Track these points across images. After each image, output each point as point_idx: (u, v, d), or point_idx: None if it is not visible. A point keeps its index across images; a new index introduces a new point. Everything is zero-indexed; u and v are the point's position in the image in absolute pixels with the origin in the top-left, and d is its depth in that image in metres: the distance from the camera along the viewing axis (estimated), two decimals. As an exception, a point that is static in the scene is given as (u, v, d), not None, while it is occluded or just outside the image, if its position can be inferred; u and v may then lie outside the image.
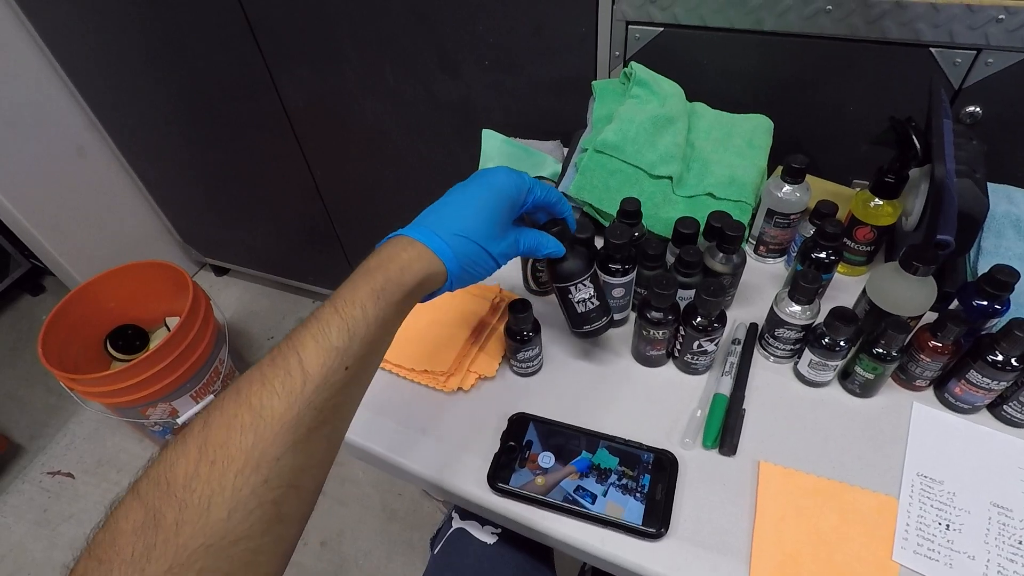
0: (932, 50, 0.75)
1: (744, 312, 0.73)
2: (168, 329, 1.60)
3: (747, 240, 0.79)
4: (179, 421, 1.42)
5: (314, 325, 0.41)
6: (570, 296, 0.61)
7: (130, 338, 1.59)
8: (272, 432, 0.37)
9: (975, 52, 0.73)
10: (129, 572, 0.32)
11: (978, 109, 0.77)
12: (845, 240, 0.72)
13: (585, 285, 0.60)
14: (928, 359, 0.60)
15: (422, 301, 0.50)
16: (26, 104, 1.50)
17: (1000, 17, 0.69)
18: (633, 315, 0.71)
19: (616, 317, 0.69)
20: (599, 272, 0.64)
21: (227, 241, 1.90)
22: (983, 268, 0.63)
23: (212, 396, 1.48)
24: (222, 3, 1.14)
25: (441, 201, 0.52)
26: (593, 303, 0.61)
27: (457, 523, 0.70)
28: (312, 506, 0.41)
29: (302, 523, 0.40)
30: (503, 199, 0.51)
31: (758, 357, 0.68)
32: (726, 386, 0.64)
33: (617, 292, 0.67)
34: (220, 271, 2.12)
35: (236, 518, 0.34)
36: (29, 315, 2.04)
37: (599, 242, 0.69)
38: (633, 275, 0.66)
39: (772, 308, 0.64)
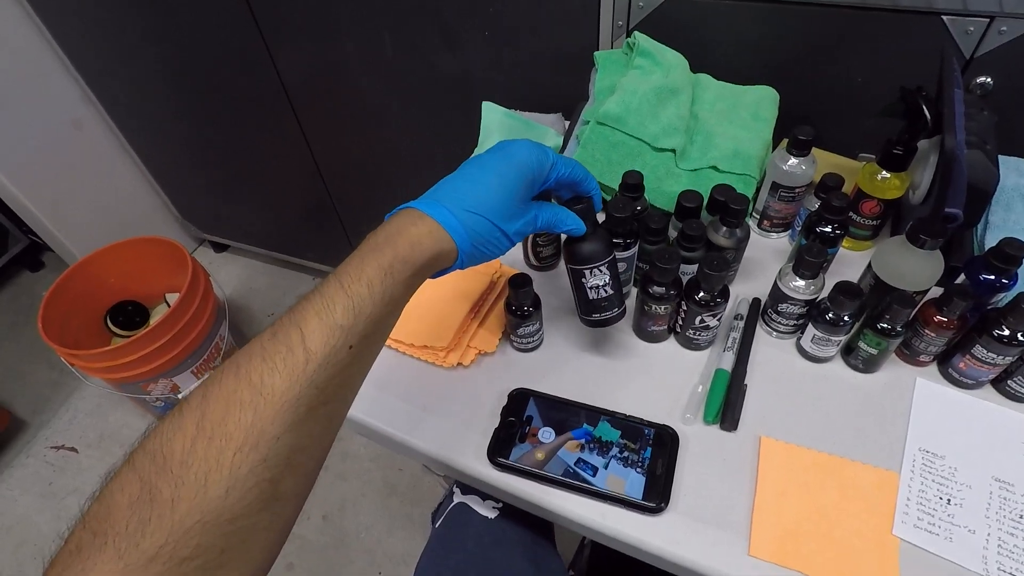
0: (944, 18, 0.73)
1: (747, 287, 0.72)
2: (168, 305, 1.60)
3: (751, 214, 0.78)
4: (180, 397, 1.42)
5: (318, 301, 0.40)
6: (583, 280, 0.58)
7: (130, 314, 1.58)
8: (272, 410, 0.36)
9: (988, 20, 0.71)
10: (124, 546, 0.31)
11: (989, 80, 0.75)
12: (851, 214, 0.71)
13: (601, 271, 0.57)
14: (933, 334, 0.59)
15: (431, 278, 0.48)
16: (19, 77, 1.47)
17: (1016, -17, 0.67)
18: (635, 290, 0.70)
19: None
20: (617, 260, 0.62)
21: (226, 218, 1.89)
22: (991, 242, 0.62)
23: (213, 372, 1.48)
24: (216, -28, 1.11)
25: (457, 173, 0.49)
26: (607, 291, 0.58)
27: (458, 498, 0.71)
28: (311, 484, 0.41)
29: (301, 501, 0.40)
30: (523, 174, 0.48)
31: (761, 332, 0.68)
32: (728, 361, 0.64)
33: (618, 267, 0.66)
34: (219, 247, 2.11)
35: (234, 496, 0.34)
36: (29, 291, 2.03)
37: (600, 217, 0.68)
38: (635, 250, 0.65)
39: (776, 283, 0.63)
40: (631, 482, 0.55)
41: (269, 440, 0.35)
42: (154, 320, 1.49)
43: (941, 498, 0.54)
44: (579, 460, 0.57)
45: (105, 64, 1.49)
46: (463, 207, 0.46)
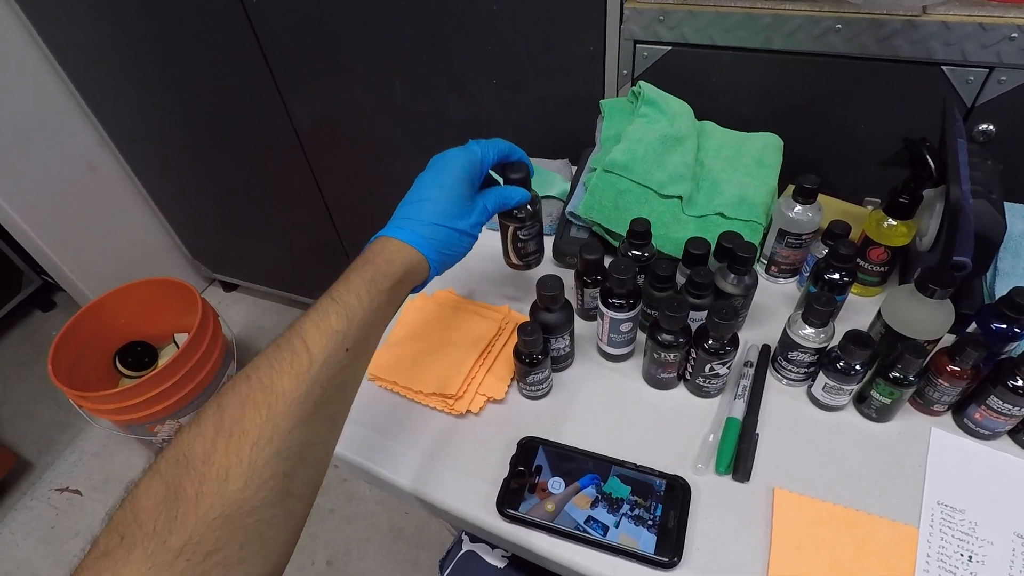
0: (944, 68, 0.74)
1: (756, 334, 0.72)
2: (177, 346, 1.61)
3: (759, 260, 0.79)
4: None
5: (314, 314, 0.45)
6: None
7: (139, 355, 1.59)
8: (284, 407, 0.40)
9: (988, 70, 0.73)
10: (152, 545, 0.33)
11: (991, 127, 0.77)
12: (859, 261, 0.71)
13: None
14: (946, 384, 0.58)
15: (415, 291, 0.55)
16: (38, 121, 1.51)
17: (1013, 36, 0.69)
18: (644, 336, 0.70)
19: (624, 351, 0.70)
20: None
21: (236, 257, 1.91)
22: (1000, 289, 0.62)
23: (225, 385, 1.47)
24: (233, 23, 1.15)
25: (409, 196, 0.57)
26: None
27: (467, 546, 0.70)
28: (317, 487, 0.44)
29: (309, 501, 0.43)
30: (461, 176, 0.56)
31: (771, 380, 0.67)
32: (739, 410, 0.63)
33: (624, 327, 0.66)
34: (229, 287, 2.13)
35: (252, 488, 0.37)
36: (40, 331, 2.05)
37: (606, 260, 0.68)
38: (638, 309, 0.66)
39: (785, 330, 0.63)
40: (643, 541, 0.54)
41: (282, 434, 0.39)
42: (163, 361, 1.49)
43: (962, 555, 0.53)
44: (589, 518, 0.56)
45: (122, 109, 1.53)
46: (422, 222, 0.54)
